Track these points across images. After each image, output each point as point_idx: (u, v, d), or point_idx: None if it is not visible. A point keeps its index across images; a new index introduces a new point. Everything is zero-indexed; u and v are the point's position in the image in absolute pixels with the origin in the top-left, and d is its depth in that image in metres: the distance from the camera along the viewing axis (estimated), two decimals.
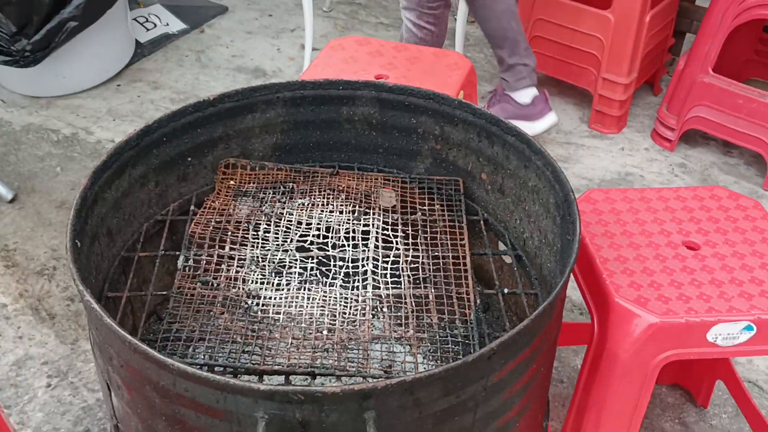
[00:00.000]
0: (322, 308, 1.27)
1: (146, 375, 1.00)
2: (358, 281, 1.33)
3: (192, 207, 1.47)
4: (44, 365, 1.85)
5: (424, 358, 1.30)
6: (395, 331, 1.25)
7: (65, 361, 1.86)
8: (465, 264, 1.36)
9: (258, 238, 1.40)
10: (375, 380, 0.94)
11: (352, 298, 1.29)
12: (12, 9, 2.44)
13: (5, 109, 2.73)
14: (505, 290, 1.34)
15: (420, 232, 1.44)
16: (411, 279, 1.34)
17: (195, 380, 0.95)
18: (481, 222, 1.49)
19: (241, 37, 3.26)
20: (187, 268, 1.32)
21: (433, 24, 2.35)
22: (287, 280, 1.33)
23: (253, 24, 3.37)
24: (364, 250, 1.38)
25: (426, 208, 1.48)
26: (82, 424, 1.71)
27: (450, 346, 1.22)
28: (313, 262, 1.36)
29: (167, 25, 3.22)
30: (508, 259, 1.49)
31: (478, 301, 1.30)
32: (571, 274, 1.17)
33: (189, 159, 1.48)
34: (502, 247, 1.46)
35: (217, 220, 1.42)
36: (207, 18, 3.34)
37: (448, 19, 2.45)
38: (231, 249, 1.37)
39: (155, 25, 3.19)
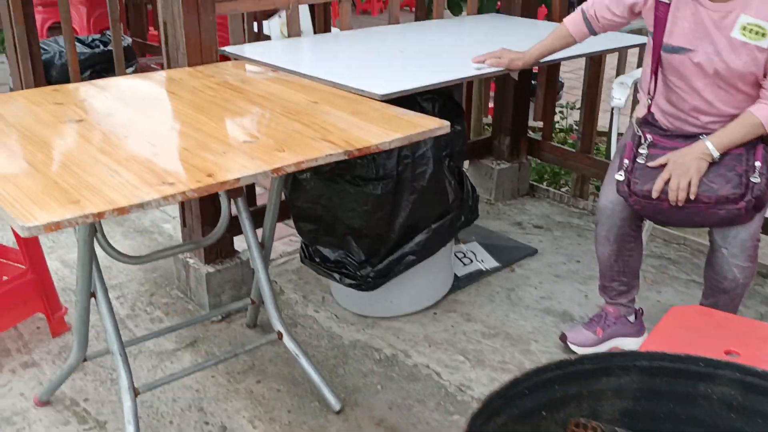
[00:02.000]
0: None
1: None
2: None
3: None
4: None
5: None
6: None
7: None
8: None
9: None
10: None
11: None
12: (365, 241, 2.81)
13: (337, 323, 3.07)
14: None
15: None
16: None
17: None
18: None
19: (549, 280, 3.40)
20: None
21: None
22: None
23: (561, 268, 3.51)
24: None
25: None
26: None
27: None
28: None
29: (482, 261, 3.48)
30: None
31: None
32: None
33: (543, 413, 1.54)
34: None
35: None
36: (517, 258, 3.56)
37: None
38: None
39: (471, 261, 3.46)
